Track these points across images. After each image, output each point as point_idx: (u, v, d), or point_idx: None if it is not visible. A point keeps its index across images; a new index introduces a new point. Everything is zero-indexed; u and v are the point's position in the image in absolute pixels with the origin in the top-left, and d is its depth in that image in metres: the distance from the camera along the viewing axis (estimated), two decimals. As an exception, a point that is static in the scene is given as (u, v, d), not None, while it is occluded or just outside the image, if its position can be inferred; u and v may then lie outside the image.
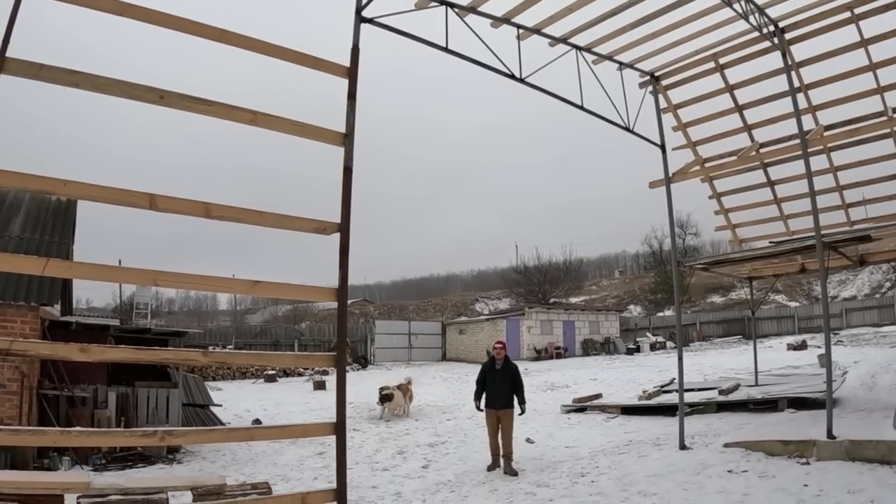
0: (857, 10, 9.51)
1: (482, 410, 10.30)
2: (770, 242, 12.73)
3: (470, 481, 9.07)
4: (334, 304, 5.32)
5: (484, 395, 10.23)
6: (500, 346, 10.41)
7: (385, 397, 16.17)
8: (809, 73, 10.94)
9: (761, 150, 11.19)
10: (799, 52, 10.47)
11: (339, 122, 5.29)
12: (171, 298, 66.73)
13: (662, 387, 16.28)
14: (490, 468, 9.78)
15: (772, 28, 9.40)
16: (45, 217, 12.15)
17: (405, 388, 16.95)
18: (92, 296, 58.93)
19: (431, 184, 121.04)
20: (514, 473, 9.33)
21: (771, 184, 12.72)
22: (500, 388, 10.02)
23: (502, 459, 9.71)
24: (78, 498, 4.95)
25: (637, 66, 10.62)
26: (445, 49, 7.42)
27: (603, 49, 9.85)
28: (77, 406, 11.41)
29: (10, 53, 4.17)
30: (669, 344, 35.63)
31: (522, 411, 10.17)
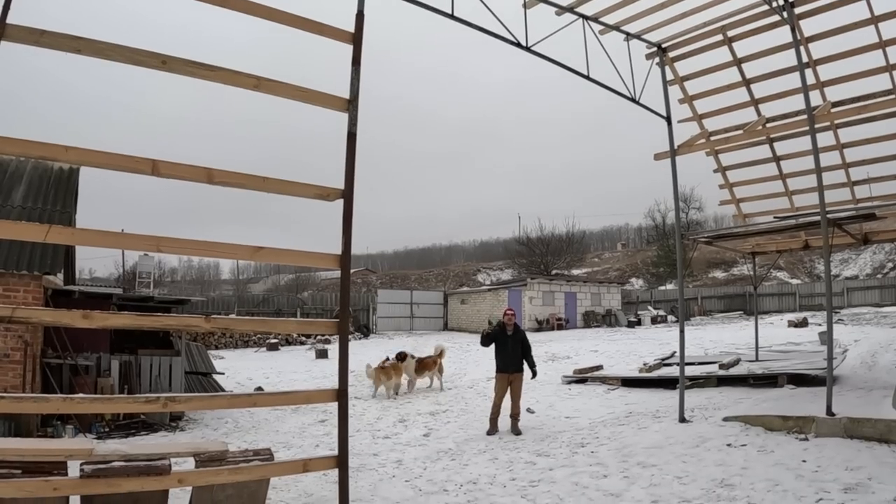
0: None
1: (489, 330, 10.78)
2: (774, 218, 12.67)
3: (470, 449, 9.14)
4: (337, 273, 5.33)
5: (496, 360, 10.61)
6: (511, 312, 10.96)
7: (400, 356, 15.39)
8: (818, 49, 10.81)
9: (768, 125, 11.08)
10: (808, 26, 10.33)
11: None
12: (173, 268, 66.82)
13: (663, 360, 16.35)
14: (490, 432, 10.13)
15: (781, 2, 9.26)
16: (47, 186, 12.09)
17: (430, 363, 15.82)
18: (95, 265, 59.13)
19: (435, 157, 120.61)
20: (520, 433, 10.04)
21: (777, 159, 12.63)
22: (512, 352, 10.49)
23: (510, 419, 10.29)
24: (81, 464, 4.97)
25: (644, 37, 10.49)
26: (451, 16, 7.33)
27: (610, 19, 9.73)
28: (80, 374, 11.45)
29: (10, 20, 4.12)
30: (670, 318, 35.75)
31: (534, 374, 10.72)
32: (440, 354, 16.14)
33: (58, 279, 11.94)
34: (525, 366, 10.57)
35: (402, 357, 15.48)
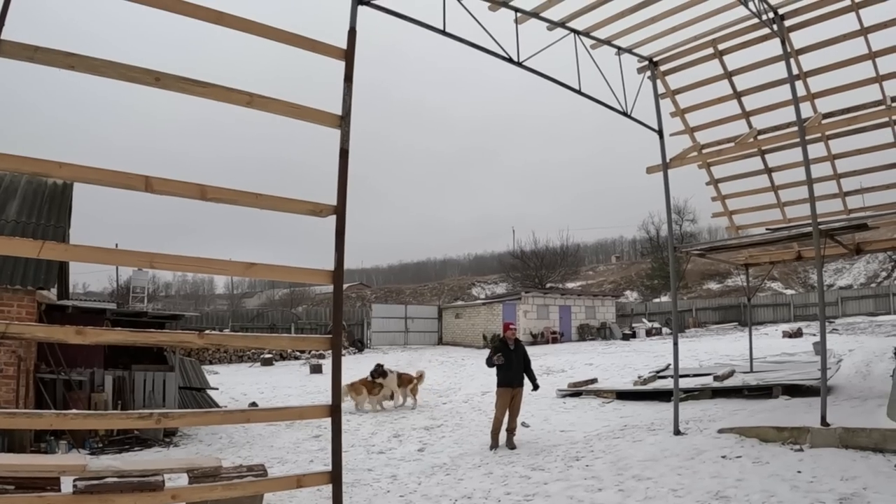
0: (858, -2, 9.48)
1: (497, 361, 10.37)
2: (767, 229, 12.73)
3: (465, 464, 9.12)
4: (331, 288, 5.33)
5: (498, 375, 10.49)
6: (513, 327, 11.13)
7: (379, 372, 15.35)
8: (808, 61, 10.91)
9: (759, 137, 11.16)
10: (798, 39, 10.43)
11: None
12: (167, 282, 66.62)
13: (658, 372, 16.35)
14: (492, 447, 10.10)
15: (771, 14, 9.36)
16: (41, 201, 12.09)
17: (407, 379, 15.97)
18: (88, 280, 58.75)
19: (433, 170, 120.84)
20: (515, 447, 10.03)
21: (768, 171, 12.71)
22: (516, 367, 10.48)
23: (506, 433, 10.25)
24: (74, 480, 4.95)
25: (635, 51, 10.56)
26: (443, 32, 7.36)
27: (601, 33, 9.79)
28: (74, 390, 11.41)
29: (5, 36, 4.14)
30: (665, 330, 35.74)
31: (535, 387, 10.74)
32: (419, 377, 16.29)
33: (51, 294, 11.90)
34: (526, 379, 10.57)
35: (382, 373, 15.40)
